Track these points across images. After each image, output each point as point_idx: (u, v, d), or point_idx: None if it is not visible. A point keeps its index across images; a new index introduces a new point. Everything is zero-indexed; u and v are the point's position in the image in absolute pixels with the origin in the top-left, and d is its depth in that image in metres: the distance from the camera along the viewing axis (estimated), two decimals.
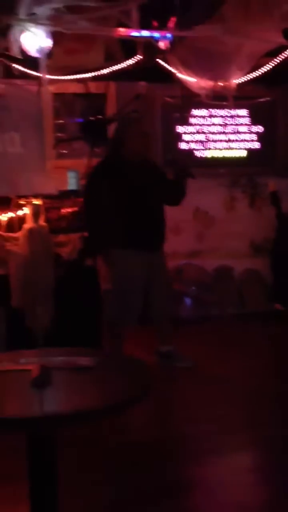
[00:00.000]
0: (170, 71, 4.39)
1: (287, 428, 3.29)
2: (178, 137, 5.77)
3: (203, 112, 5.76)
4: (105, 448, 3.04)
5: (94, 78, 4.72)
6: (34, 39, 3.45)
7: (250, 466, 2.91)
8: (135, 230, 3.98)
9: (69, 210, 4.40)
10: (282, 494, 2.60)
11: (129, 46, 4.12)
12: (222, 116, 5.83)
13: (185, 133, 5.77)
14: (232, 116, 5.85)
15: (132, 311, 4.03)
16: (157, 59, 4.26)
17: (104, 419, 2.79)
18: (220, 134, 5.87)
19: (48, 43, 3.29)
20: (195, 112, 5.74)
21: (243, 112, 5.88)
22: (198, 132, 5.82)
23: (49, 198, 4.46)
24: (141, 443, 3.11)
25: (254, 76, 4.83)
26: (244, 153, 5.97)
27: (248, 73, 4.64)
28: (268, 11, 4.04)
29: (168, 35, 3.55)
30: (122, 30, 3.27)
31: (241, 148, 5.96)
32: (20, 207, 4.35)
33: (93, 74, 4.53)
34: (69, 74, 4.53)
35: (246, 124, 5.94)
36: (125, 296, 4.01)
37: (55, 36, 3.21)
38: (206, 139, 5.85)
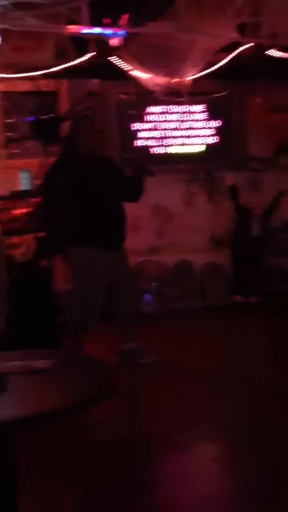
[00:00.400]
0: (123, 68, 4.37)
1: (251, 417, 3.34)
2: (134, 134, 5.77)
3: (159, 108, 5.77)
4: (72, 449, 3.03)
5: (45, 76, 4.66)
6: None
7: (215, 458, 2.94)
8: (94, 228, 3.97)
9: (22, 210, 4.34)
10: (246, 485, 2.64)
11: (81, 44, 4.08)
12: (178, 112, 5.85)
13: (141, 130, 5.77)
14: (188, 112, 5.88)
15: (94, 309, 4.02)
16: (110, 56, 4.23)
17: (64, 421, 2.78)
18: (177, 130, 5.89)
19: None
20: (151, 109, 5.75)
21: (200, 107, 5.91)
22: (154, 129, 5.83)
23: (1, 199, 4.38)
24: (108, 443, 3.11)
25: (210, 71, 4.86)
26: (201, 148, 6.01)
27: (203, 69, 4.66)
28: (221, 7, 4.07)
29: (121, 32, 3.53)
30: (71, 27, 3.23)
31: (198, 144, 5.99)
32: None
33: (43, 72, 4.47)
34: (18, 72, 4.47)
35: (203, 120, 5.97)
36: (86, 295, 4.00)
37: (2, 33, 3.16)
38: (163, 135, 5.86)
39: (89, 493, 2.66)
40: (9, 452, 2.16)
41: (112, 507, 2.52)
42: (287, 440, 3.05)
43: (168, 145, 5.87)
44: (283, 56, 4.83)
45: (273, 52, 4.76)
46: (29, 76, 4.65)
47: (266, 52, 4.76)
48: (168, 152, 5.85)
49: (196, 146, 6.00)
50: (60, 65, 4.34)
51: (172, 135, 5.88)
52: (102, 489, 2.64)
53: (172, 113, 5.82)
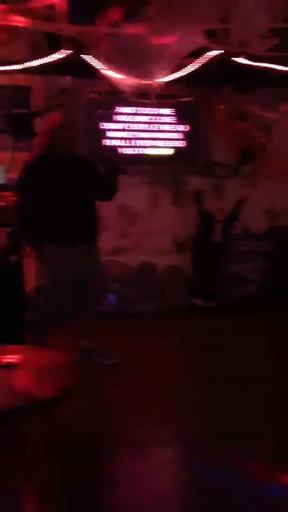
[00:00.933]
0: (96, 66, 4.38)
1: (211, 418, 3.39)
2: (103, 133, 5.77)
3: (129, 109, 5.80)
4: (32, 445, 3.01)
5: (19, 71, 4.63)
6: None
7: (171, 458, 2.97)
8: (66, 225, 3.96)
9: None
10: (199, 486, 2.67)
11: (54, 40, 4.07)
12: (147, 114, 5.89)
13: (109, 129, 5.79)
14: (157, 115, 5.93)
15: (66, 306, 4.01)
16: (84, 54, 4.24)
17: (25, 416, 2.76)
18: (145, 132, 5.93)
19: None
20: (120, 109, 5.77)
21: (168, 111, 5.97)
22: (123, 130, 5.85)
23: None
24: (68, 440, 3.10)
25: (178, 76, 4.91)
26: (168, 152, 6.06)
27: (172, 72, 4.71)
28: (189, 12, 4.12)
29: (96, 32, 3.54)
30: (51, 24, 3.23)
31: (165, 147, 6.04)
32: None
33: (19, 66, 4.44)
34: None
35: (170, 123, 6.03)
36: (58, 292, 3.98)
37: None
38: (131, 136, 5.89)
39: (48, 491, 2.64)
40: None
41: (67, 500, 2.51)
42: (244, 441, 3.11)
43: (136, 146, 5.90)
44: (249, 64, 4.92)
45: (240, 60, 4.85)
46: (4, 70, 4.60)
47: (232, 59, 4.84)
48: (136, 153, 5.87)
49: (163, 149, 6.04)
50: (34, 60, 4.31)
51: (140, 136, 5.91)
52: (59, 484, 2.63)
53: (141, 114, 5.86)
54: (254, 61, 4.83)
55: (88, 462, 2.84)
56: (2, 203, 4.23)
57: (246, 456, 2.90)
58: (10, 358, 2.57)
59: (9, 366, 2.54)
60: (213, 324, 5.60)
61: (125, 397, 3.69)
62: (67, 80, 5.34)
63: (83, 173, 4.09)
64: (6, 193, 4.21)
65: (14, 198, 4.04)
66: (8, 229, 4.23)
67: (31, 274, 4.49)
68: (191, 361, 4.53)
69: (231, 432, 3.19)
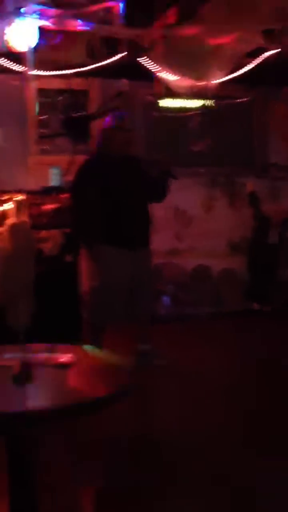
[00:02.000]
0: (152, 69, 4.39)
1: (256, 427, 3.32)
2: (158, 136, 5.77)
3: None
4: (83, 445, 3.04)
5: (77, 75, 4.70)
6: (20, 33, 3.40)
7: (215, 464, 2.92)
8: (119, 227, 3.99)
9: (51, 206, 4.38)
10: (244, 493, 2.62)
11: (112, 43, 4.11)
12: (202, 114, 5.86)
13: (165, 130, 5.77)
14: (212, 116, 5.89)
15: (116, 308, 4.04)
16: (140, 57, 4.26)
17: (81, 416, 2.78)
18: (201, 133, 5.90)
19: (34, 37, 3.26)
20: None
21: (224, 111, 5.92)
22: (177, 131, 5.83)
23: (32, 193, 4.44)
24: (113, 440, 3.11)
25: (234, 76, 4.87)
26: (223, 153, 5.99)
27: (229, 73, 4.67)
28: (248, 13, 4.07)
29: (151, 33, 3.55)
30: (108, 28, 3.26)
31: (221, 148, 5.97)
32: (1, 202, 4.32)
33: (76, 70, 4.51)
34: (53, 70, 4.52)
35: (226, 124, 5.97)
36: (109, 293, 4.01)
37: (40, 30, 3.18)
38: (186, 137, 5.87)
39: (99, 490, 2.66)
40: (30, 444, 2.17)
41: (119, 506, 2.51)
42: None
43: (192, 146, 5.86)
44: None
45: None
46: (62, 74, 4.68)
47: None
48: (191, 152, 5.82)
49: (219, 150, 5.98)
50: (92, 64, 4.37)
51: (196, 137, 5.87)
52: (111, 488, 2.64)
53: (197, 114, 5.83)
54: None
55: (136, 465, 2.84)
56: (59, 205, 4.31)
57: None
58: (64, 357, 2.60)
59: (63, 365, 2.57)
60: (269, 328, 5.50)
61: (175, 401, 3.68)
62: (123, 83, 5.37)
63: (134, 174, 4.11)
64: (62, 195, 4.28)
65: (69, 200, 4.10)
66: (64, 230, 4.30)
67: (85, 274, 4.54)
68: (246, 365, 4.46)
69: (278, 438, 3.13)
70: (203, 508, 2.50)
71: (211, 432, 3.22)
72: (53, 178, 4.58)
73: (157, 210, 4.50)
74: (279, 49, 4.58)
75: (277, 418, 3.42)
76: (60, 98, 5.27)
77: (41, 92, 5.29)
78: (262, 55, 4.75)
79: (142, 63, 4.37)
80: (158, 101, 4.42)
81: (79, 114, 5.23)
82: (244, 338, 5.21)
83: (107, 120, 4.08)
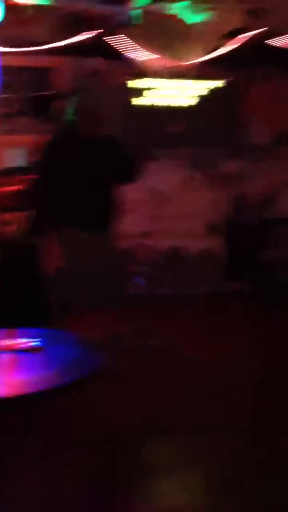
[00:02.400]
0: (128, 48, 4.30)
1: (234, 410, 3.36)
2: (137, 115, 5.68)
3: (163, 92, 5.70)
4: (55, 426, 3.03)
5: (46, 52, 4.56)
6: None
7: (194, 449, 2.95)
8: (85, 208, 3.93)
9: (15, 187, 4.28)
10: (221, 475, 2.65)
11: (85, 20, 4.00)
12: (181, 96, 5.78)
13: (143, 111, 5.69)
14: (192, 96, 5.83)
15: (83, 290, 4.00)
16: (116, 35, 4.16)
17: (53, 400, 2.78)
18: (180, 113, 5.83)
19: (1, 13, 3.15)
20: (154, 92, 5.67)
21: (203, 92, 5.85)
22: (156, 112, 5.74)
23: None
24: (92, 420, 3.11)
25: (215, 57, 4.80)
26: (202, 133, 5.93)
27: (209, 53, 4.60)
28: None
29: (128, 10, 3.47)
30: (80, 4, 3.17)
31: (200, 128, 5.91)
32: None
33: (45, 47, 4.38)
34: (19, 46, 4.38)
35: (205, 105, 5.90)
36: (75, 276, 3.97)
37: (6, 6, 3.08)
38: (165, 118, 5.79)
39: (66, 475, 2.67)
40: None
41: (103, 490, 2.53)
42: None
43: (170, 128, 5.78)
44: None
45: (279, 41, 4.70)
46: (29, 51, 4.55)
47: (271, 40, 4.70)
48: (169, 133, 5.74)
49: (197, 131, 5.91)
50: (62, 40, 4.24)
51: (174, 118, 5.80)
52: (90, 471, 2.65)
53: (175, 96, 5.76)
54: None
55: (104, 447, 2.85)
56: (23, 187, 4.23)
57: None
58: (34, 342, 2.59)
59: (33, 349, 2.56)
60: (246, 309, 5.53)
61: (151, 383, 3.69)
62: (98, 62, 5.26)
63: (105, 155, 4.04)
64: (27, 176, 4.20)
65: (33, 181, 4.02)
66: (28, 212, 4.22)
67: (51, 257, 4.49)
68: (223, 347, 4.49)
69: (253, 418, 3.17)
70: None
71: (188, 414, 3.24)
72: (17, 158, 4.46)
73: (134, 191, 4.46)
74: (262, 29, 4.51)
75: (251, 397, 3.46)
76: (28, 76, 5.11)
77: (5, 69, 5.12)
78: (243, 35, 4.68)
79: (119, 41, 4.28)
80: (135, 81, 4.33)
81: (47, 92, 5.10)
82: (220, 319, 5.23)
83: (78, 99, 3.99)
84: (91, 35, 4.06)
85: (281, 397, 3.50)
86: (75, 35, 4.13)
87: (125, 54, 4.38)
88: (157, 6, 3.38)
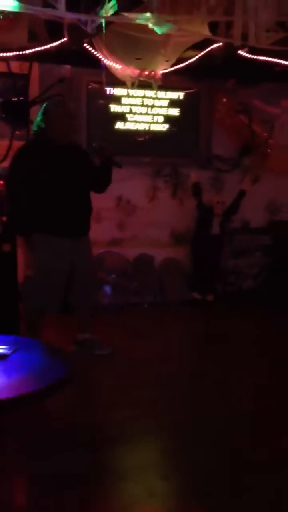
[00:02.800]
0: (96, 56, 4.33)
1: (200, 414, 3.39)
2: (101, 123, 5.70)
3: (128, 100, 5.74)
4: (21, 436, 3.00)
5: (17, 58, 4.58)
6: None
7: (162, 452, 2.97)
8: (59, 215, 3.93)
9: None
10: (190, 481, 2.68)
11: (55, 28, 4.02)
12: (147, 106, 5.83)
13: (110, 118, 5.70)
14: (157, 107, 5.88)
15: (54, 298, 3.99)
16: (84, 43, 4.18)
17: (19, 408, 2.74)
18: (145, 122, 5.86)
19: None
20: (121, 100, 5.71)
21: (168, 102, 5.91)
22: (122, 119, 5.78)
23: None
24: (59, 430, 3.10)
25: (180, 67, 4.86)
26: (167, 144, 5.98)
27: (174, 64, 4.66)
28: (194, 4, 4.07)
29: (97, 20, 3.49)
30: (48, 11, 3.18)
31: (164, 138, 5.96)
32: None
33: (16, 53, 4.39)
34: None
35: (171, 115, 5.97)
36: (46, 282, 3.95)
37: None
38: (131, 126, 5.81)
39: (34, 480, 2.64)
40: None
41: (57, 493, 2.51)
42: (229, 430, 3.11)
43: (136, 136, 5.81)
44: (252, 58, 4.87)
45: (244, 53, 4.80)
46: (1, 56, 4.56)
47: (235, 53, 4.79)
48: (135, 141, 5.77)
49: (162, 140, 5.96)
50: (33, 48, 4.25)
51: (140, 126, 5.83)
52: (47, 476, 2.63)
53: (141, 105, 5.80)
54: (258, 54, 4.77)
55: (72, 456, 2.83)
56: None
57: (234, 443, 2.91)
58: (2, 349, 2.56)
59: (2, 356, 2.52)
60: (210, 318, 5.61)
61: (118, 389, 3.70)
62: (65, 69, 5.29)
63: (78, 163, 4.06)
64: None
65: (5, 186, 3.99)
66: (1, 219, 4.20)
67: (22, 264, 4.46)
68: (186, 354, 4.55)
69: (220, 421, 3.21)
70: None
71: (151, 420, 3.26)
72: None
73: (101, 200, 4.47)
74: (223, 43, 4.60)
75: (207, 401, 3.51)
76: None
77: None
78: (208, 47, 4.76)
79: (87, 49, 4.31)
80: (102, 88, 4.35)
81: (18, 98, 5.10)
82: (186, 328, 5.29)
83: (50, 106, 4.01)
84: (59, 43, 4.07)
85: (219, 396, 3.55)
86: (45, 43, 4.15)
87: (92, 62, 4.41)
88: (125, 16, 3.40)
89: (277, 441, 3.06)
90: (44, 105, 4.00)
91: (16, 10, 2.93)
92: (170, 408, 3.45)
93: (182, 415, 3.36)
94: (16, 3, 2.87)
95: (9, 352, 2.59)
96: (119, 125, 5.72)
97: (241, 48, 4.68)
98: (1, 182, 4.13)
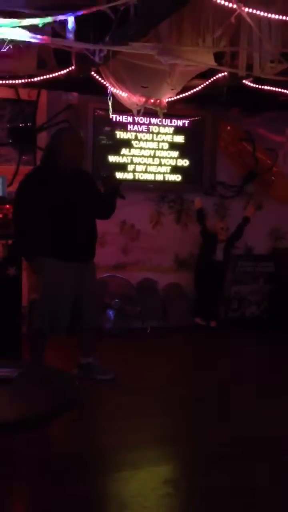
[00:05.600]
0: (103, 84, 4.41)
1: (204, 440, 3.36)
2: (107, 151, 5.78)
3: (135, 127, 5.83)
4: (21, 459, 2.98)
5: (25, 85, 4.68)
6: None
7: (164, 479, 2.94)
8: (65, 240, 3.96)
9: None
10: (193, 507, 2.65)
11: (63, 56, 4.11)
12: (153, 132, 5.92)
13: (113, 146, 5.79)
14: (163, 134, 5.96)
15: (60, 321, 4.00)
16: (90, 71, 4.27)
17: (21, 432, 2.74)
18: (150, 150, 5.94)
19: None
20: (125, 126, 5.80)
21: (174, 130, 6.00)
22: (127, 146, 5.86)
23: None
24: (59, 454, 3.08)
25: (185, 95, 4.94)
26: (174, 174, 6.05)
27: (180, 92, 4.74)
28: (200, 35, 4.16)
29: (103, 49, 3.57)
30: (57, 40, 3.26)
31: (170, 164, 6.03)
32: None
33: (25, 80, 4.48)
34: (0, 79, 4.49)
35: (176, 142, 6.05)
36: (53, 306, 3.97)
37: None
38: (136, 153, 5.89)
39: (34, 504, 2.62)
40: None
41: None
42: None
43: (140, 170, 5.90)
44: (256, 87, 4.95)
45: (247, 83, 4.88)
46: (9, 84, 4.65)
47: (240, 82, 4.87)
48: (139, 178, 5.87)
49: (166, 171, 6.03)
50: (41, 75, 4.34)
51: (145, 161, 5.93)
52: (47, 501, 2.61)
53: (148, 132, 5.88)
54: (263, 84, 4.85)
55: (75, 481, 2.81)
56: (1, 216, 4.24)
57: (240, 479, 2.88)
58: (6, 372, 2.56)
59: (5, 380, 2.53)
60: (213, 344, 5.59)
61: (118, 415, 3.68)
62: (73, 96, 5.38)
63: (84, 189, 4.11)
64: (5, 206, 4.22)
65: (12, 211, 4.04)
66: (6, 242, 4.23)
67: (28, 288, 4.48)
68: (188, 379, 4.52)
69: (223, 448, 3.19)
70: None
71: (152, 446, 3.23)
72: None
73: (105, 224, 4.52)
74: (228, 72, 4.68)
75: (209, 427, 3.48)
76: (7, 107, 5.22)
77: None
78: (213, 77, 4.84)
79: (94, 77, 4.39)
80: (108, 115, 4.43)
81: (26, 124, 5.19)
82: (188, 353, 5.27)
83: (62, 132, 4.07)
84: (67, 71, 4.16)
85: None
86: (53, 70, 4.23)
87: (99, 90, 4.49)
88: (131, 46, 3.48)
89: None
90: (55, 131, 4.06)
91: (26, 39, 3.00)
92: (173, 434, 3.43)
93: (185, 442, 3.33)
94: (27, 33, 2.95)
95: (14, 375, 2.59)
96: (124, 151, 5.80)
97: (246, 78, 4.76)
98: (8, 206, 4.18)
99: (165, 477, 2.97)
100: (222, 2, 2.99)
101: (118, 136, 5.76)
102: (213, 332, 5.96)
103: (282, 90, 4.97)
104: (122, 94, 4.41)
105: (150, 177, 5.93)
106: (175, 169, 6.03)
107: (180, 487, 2.86)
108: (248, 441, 3.35)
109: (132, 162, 5.83)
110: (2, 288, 4.26)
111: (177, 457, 3.18)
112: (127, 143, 5.81)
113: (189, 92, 4.95)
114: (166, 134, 5.98)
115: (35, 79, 4.39)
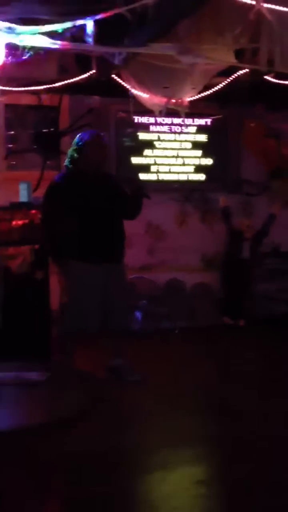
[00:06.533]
0: (124, 86, 4.42)
1: (237, 442, 3.34)
2: (130, 153, 5.80)
3: (158, 128, 5.84)
4: (52, 459, 3.00)
5: (47, 91, 4.73)
6: None
7: (197, 480, 2.93)
8: (91, 242, 4.00)
9: (20, 222, 4.36)
10: (226, 508, 2.63)
11: (83, 60, 4.14)
12: (176, 132, 5.92)
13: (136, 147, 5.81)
14: (186, 133, 5.96)
15: (88, 322, 4.03)
16: (111, 74, 4.29)
17: (50, 434, 2.76)
18: (174, 150, 5.94)
19: (2, 54, 3.27)
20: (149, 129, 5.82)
21: (197, 129, 5.98)
22: (151, 147, 5.87)
23: (0, 209, 4.41)
24: (89, 455, 3.09)
25: (207, 94, 4.92)
26: (198, 174, 6.03)
27: (201, 91, 4.72)
28: (220, 33, 4.13)
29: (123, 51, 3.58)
30: (77, 45, 3.28)
31: (194, 164, 6.02)
32: None
33: (46, 86, 4.53)
34: (22, 86, 4.54)
35: (200, 141, 6.03)
36: (80, 308, 4.01)
37: (8, 48, 3.19)
38: (159, 154, 5.90)
39: (65, 505, 2.63)
40: None
41: None
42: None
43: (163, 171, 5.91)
44: (279, 83, 4.90)
45: (269, 79, 4.83)
46: (32, 90, 4.71)
47: (262, 78, 4.82)
48: (162, 179, 5.86)
49: (190, 170, 6.02)
50: (63, 80, 4.38)
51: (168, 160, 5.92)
52: (78, 501, 2.61)
53: (170, 132, 5.89)
54: (285, 79, 4.80)
55: (105, 481, 2.82)
56: (28, 221, 4.30)
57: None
58: (35, 376, 2.58)
59: (34, 383, 2.55)
60: (242, 343, 5.54)
61: (147, 416, 3.67)
62: (94, 100, 5.42)
63: (110, 191, 4.13)
64: (32, 211, 4.28)
65: (40, 215, 4.10)
66: (33, 246, 4.29)
67: (57, 291, 4.52)
68: (219, 381, 4.48)
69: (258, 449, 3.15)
70: None
71: (186, 445, 3.22)
72: (22, 193, 4.56)
73: (131, 225, 4.52)
74: (250, 69, 4.65)
75: (243, 429, 3.45)
76: (31, 114, 5.30)
77: (10, 107, 5.29)
78: (234, 74, 4.81)
79: (115, 80, 4.41)
80: (130, 117, 4.45)
81: (49, 129, 5.25)
82: (217, 353, 5.24)
83: (84, 136, 4.11)
84: (88, 75, 4.19)
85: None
86: (74, 75, 4.27)
87: (120, 92, 4.51)
88: (151, 47, 3.48)
89: None
90: (78, 135, 4.10)
91: (47, 46, 3.03)
92: (204, 434, 3.40)
93: (217, 442, 3.31)
94: (47, 39, 2.97)
95: (43, 378, 2.61)
96: (147, 152, 5.80)
97: (268, 73, 4.71)
98: (34, 211, 4.23)
99: (197, 477, 2.95)
100: None
101: (140, 138, 5.77)
102: (241, 331, 5.91)
103: None
104: (144, 96, 4.41)
105: (173, 177, 5.93)
106: (198, 168, 6.02)
107: (213, 487, 2.84)
108: (284, 441, 3.31)
109: (155, 163, 5.84)
110: (30, 291, 4.32)
111: (209, 457, 3.16)
112: (150, 144, 5.82)
113: (211, 91, 4.93)
114: (188, 133, 5.96)
115: (57, 84, 4.43)
